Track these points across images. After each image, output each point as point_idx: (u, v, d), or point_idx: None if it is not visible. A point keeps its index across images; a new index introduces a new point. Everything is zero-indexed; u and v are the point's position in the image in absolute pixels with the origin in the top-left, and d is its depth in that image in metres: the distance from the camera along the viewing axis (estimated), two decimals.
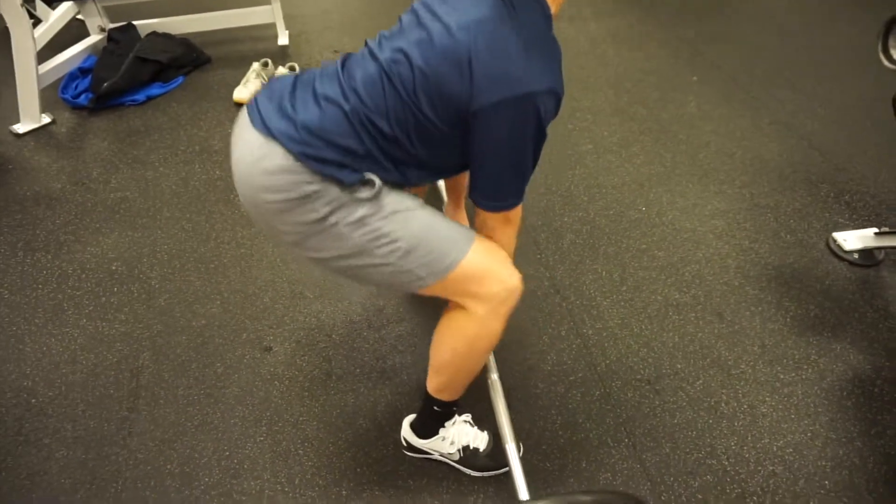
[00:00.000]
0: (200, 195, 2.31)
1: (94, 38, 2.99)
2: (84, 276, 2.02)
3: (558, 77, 1.09)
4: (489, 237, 1.23)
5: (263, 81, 2.78)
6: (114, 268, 2.05)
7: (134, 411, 1.65)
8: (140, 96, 2.77)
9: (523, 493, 1.23)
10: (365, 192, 1.13)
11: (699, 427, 1.61)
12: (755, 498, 1.47)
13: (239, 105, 2.74)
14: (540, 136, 1.10)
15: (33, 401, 1.68)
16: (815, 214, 2.20)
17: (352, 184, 1.12)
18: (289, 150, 1.09)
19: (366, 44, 1.19)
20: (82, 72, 2.84)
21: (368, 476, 1.52)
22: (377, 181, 1.13)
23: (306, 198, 1.11)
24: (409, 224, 1.16)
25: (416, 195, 1.26)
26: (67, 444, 1.58)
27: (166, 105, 2.80)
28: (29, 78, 2.54)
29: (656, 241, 2.11)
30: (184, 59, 2.92)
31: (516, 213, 1.21)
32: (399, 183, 1.20)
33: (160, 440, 1.59)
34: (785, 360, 1.76)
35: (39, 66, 2.58)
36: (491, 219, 1.20)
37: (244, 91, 2.73)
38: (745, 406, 1.65)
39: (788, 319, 1.86)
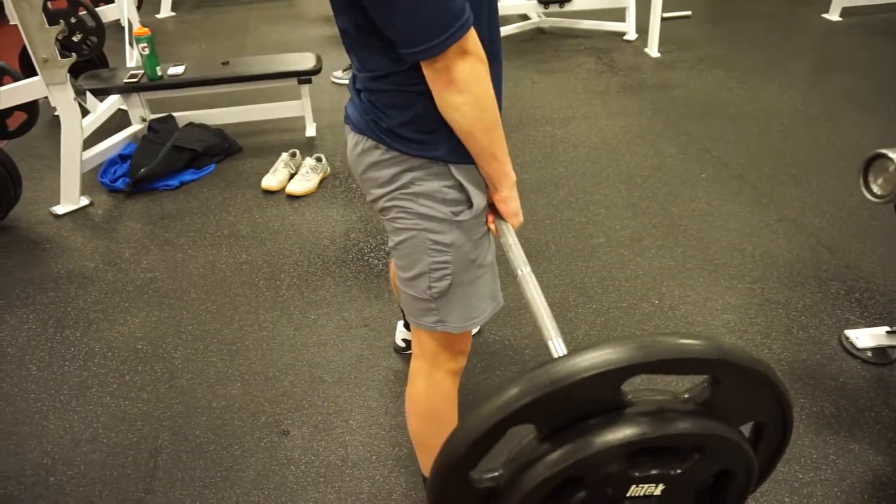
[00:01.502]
0: (226, 278, 2.40)
1: (135, 127, 3.19)
2: (110, 354, 2.08)
3: None
4: (450, 91, 1.00)
5: (291, 171, 2.93)
6: (139, 346, 2.10)
7: (150, 493, 1.66)
8: (174, 182, 2.92)
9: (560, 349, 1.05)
10: (464, 210, 1.16)
11: None
12: None
13: (267, 192, 2.88)
14: None
15: (51, 479, 1.70)
16: (827, 311, 2.24)
17: (443, 169, 1.12)
18: (361, 133, 1.14)
19: None
20: (122, 158, 3.02)
21: None
22: (479, 202, 1.17)
23: (409, 165, 1.12)
24: (475, 252, 1.21)
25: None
26: None
27: (198, 190, 2.94)
28: (73, 164, 2.70)
29: None
30: (217, 148, 3.09)
31: (467, 39, 0.95)
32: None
33: None
34: (802, 459, 1.75)
35: (83, 153, 2.75)
36: (444, 60, 0.96)
37: (272, 179, 2.87)
38: None
39: (804, 417, 1.86)
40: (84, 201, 2.80)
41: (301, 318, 2.21)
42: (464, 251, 1.18)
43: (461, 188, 1.14)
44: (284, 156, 2.95)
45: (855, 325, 2.15)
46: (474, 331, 1.29)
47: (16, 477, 1.70)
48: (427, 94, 1.02)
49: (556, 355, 1.00)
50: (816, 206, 2.82)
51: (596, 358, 0.75)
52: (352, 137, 1.19)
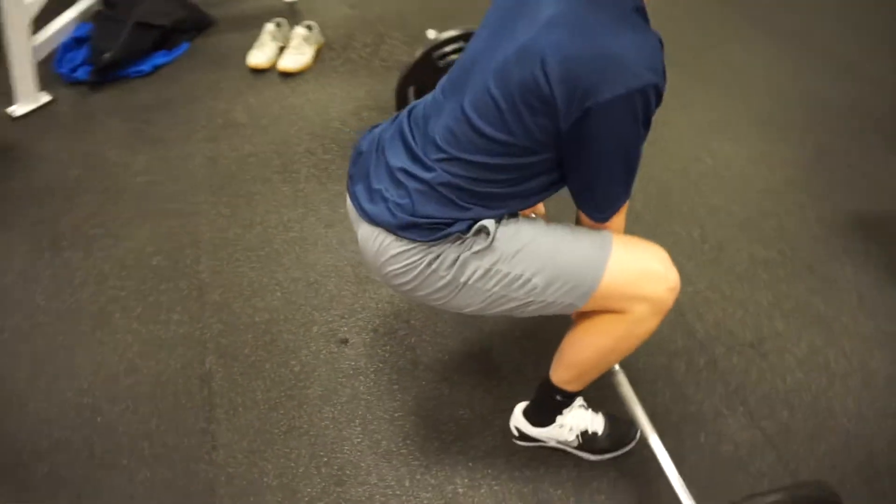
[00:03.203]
0: (234, 175, 2.13)
1: (86, 1, 2.69)
2: (125, 273, 1.85)
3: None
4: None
5: (280, 45, 2.55)
6: (155, 262, 1.87)
7: (213, 422, 1.52)
8: (145, 66, 2.52)
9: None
10: (480, 244, 1.09)
11: (813, 389, 1.54)
12: (883, 457, 1.42)
13: (256, 71, 2.52)
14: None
15: (99, 419, 1.53)
16: (886, 157, 2.12)
17: (464, 235, 1.09)
18: (398, 236, 1.10)
19: (438, 87, 1.17)
20: (77, 42, 2.55)
21: (482, 470, 1.42)
22: (490, 227, 1.07)
23: (429, 268, 1.11)
24: (535, 259, 1.10)
25: (534, 217, 1.19)
26: (148, 463, 1.45)
27: (176, 75, 2.56)
28: (23, 50, 2.27)
29: (729, 194, 2.01)
30: (188, 21, 2.66)
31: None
32: (517, 210, 1.14)
33: (248, 451, 1.47)
34: (886, 311, 1.70)
35: (33, 37, 2.32)
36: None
37: (260, 56, 2.50)
38: (856, 363, 1.59)
39: (881, 267, 1.80)
40: (44, 98, 2.40)
41: (331, 214, 1.98)
42: (506, 257, 1.11)
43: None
44: (269, 26, 2.55)
45: None
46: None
47: (58, 420, 1.53)
48: (492, 196, 1.11)
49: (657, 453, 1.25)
50: (853, 37, 2.62)
51: None
52: None
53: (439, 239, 1.09)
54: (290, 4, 2.88)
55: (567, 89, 0.96)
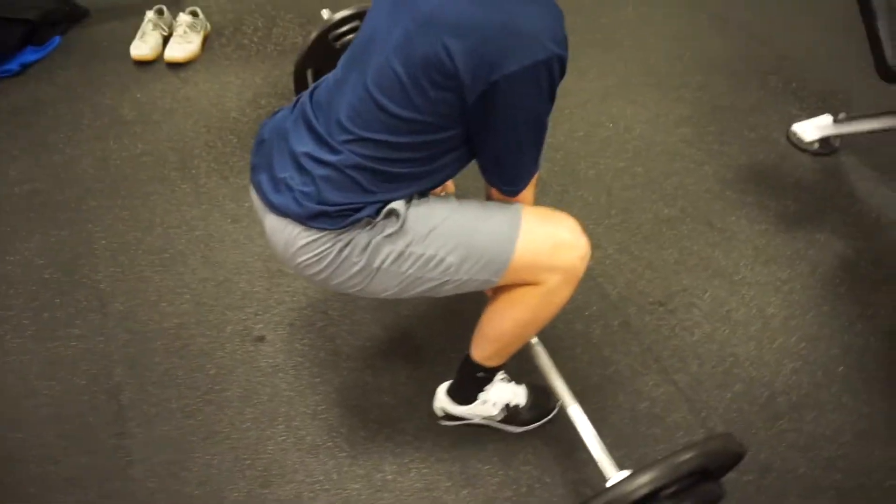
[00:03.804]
0: (127, 176, 2.00)
1: None
2: (12, 291, 1.72)
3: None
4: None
5: (163, 34, 2.41)
6: (47, 276, 1.75)
7: (126, 437, 1.45)
8: (13, 65, 2.32)
9: (611, 470, 1.18)
10: (391, 227, 1.08)
11: (718, 339, 1.63)
12: (784, 396, 1.52)
13: (141, 63, 2.37)
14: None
15: None
16: (771, 108, 2.23)
17: (374, 220, 1.07)
18: (306, 226, 1.07)
19: (338, 67, 1.13)
20: None
21: (410, 454, 1.43)
22: (400, 209, 1.06)
23: (340, 255, 1.09)
24: (448, 238, 1.09)
25: (444, 195, 1.18)
26: (60, 488, 1.37)
27: (50, 72, 2.37)
28: None
29: (632, 157, 2.06)
30: (57, 13, 2.45)
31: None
32: (427, 189, 1.13)
33: (167, 462, 1.41)
34: (779, 259, 1.80)
35: None
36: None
37: (143, 47, 2.35)
38: (755, 310, 1.68)
39: (772, 217, 1.90)
40: None
41: (236, 209, 1.91)
42: (419, 238, 1.10)
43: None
44: (150, 14, 2.39)
45: (798, 119, 2.16)
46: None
47: None
48: (400, 176, 1.10)
49: (576, 422, 1.27)
50: None
51: None
52: None
53: (349, 225, 1.06)
54: None
55: (471, 62, 0.94)
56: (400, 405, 1.51)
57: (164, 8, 2.45)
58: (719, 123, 2.18)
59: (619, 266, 1.77)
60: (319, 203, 1.05)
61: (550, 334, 1.61)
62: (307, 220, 1.06)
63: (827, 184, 2.00)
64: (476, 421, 1.45)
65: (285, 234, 1.10)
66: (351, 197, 1.06)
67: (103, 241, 1.83)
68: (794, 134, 2.12)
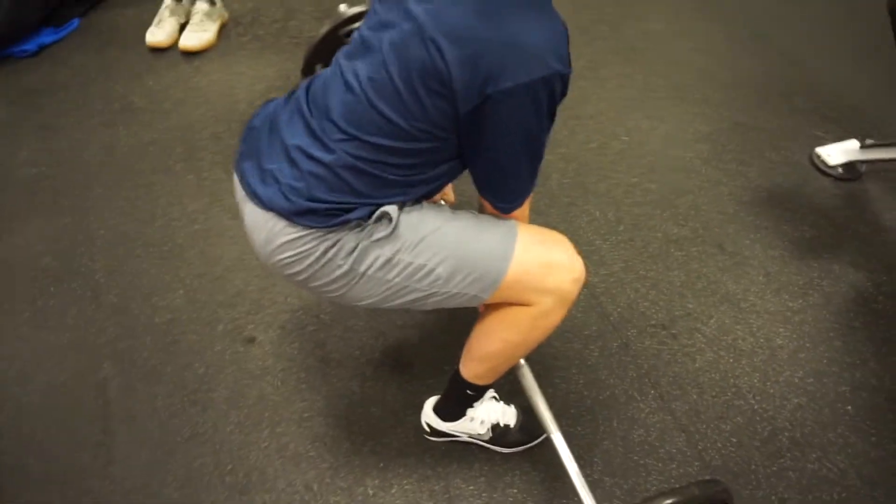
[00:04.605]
0: (132, 166, 1.99)
1: None
2: (10, 275, 1.72)
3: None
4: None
5: (181, 21, 2.39)
6: (45, 263, 1.74)
7: (109, 434, 1.43)
8: (31, 46, 2.33)
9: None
10: (381, 231, 1.03)
11: (721, 368, 1.57)
12: (786, 433, 1.46)
13: (155, 50, 2.36)
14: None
15: None
16: (797, 129, 2.15)
17: (365, 222, 1.03)
18: (292, 221, 1.02)
19: (335, 62, 1.08)
20: None
21: (393, 469, 1.39)
22: (392, 213, 1.01)
23: (325, 256, 1.04)
24: (440, 248, 1.04)
25: (440, 204, 1.13)
26: (37, 484, 1.36)
27: (66, 55, 2.37)
28: None
29: (646, 172, 2.00)
30: None
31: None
32: (421, 196, 1.08)
33: (148, 462, 1.39)
34: (791, 287, 1.73)
35: None
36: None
37: (159, 33, 2.34)
38: (762, 340, 1.62)
39: (787, 243, 1.83)
40: None
41: (236, 204, 1.88)
42: (408, 245, 1.05)
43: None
44: (168, 1, 2.38)
45: (824, 143, 2.08)
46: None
47: None
48: (392, 181, 1.05)
49: (558, 451, 1.22)
50: (770, 13, 2.64)
51: None
52: None
53: (337, 225, 1.02)
54: None
55: (467, 73, 0.90)
56: (387, 417, 1.47)
57: None
58: (740, 142, 2.11)
59: (623, 285, 1.72)
60: (309, 199, 1.01)
61: (545, 353, 1.57)
62: (294, 215, 1.01)
63: (848, 211, 1.92)
64: (463, 439, 1.41)
65: (267, 228, 1.05)
66: (342, 196, 1.02)
67: (102, 231, 1.81)
68: (819, 157, 2.04)
